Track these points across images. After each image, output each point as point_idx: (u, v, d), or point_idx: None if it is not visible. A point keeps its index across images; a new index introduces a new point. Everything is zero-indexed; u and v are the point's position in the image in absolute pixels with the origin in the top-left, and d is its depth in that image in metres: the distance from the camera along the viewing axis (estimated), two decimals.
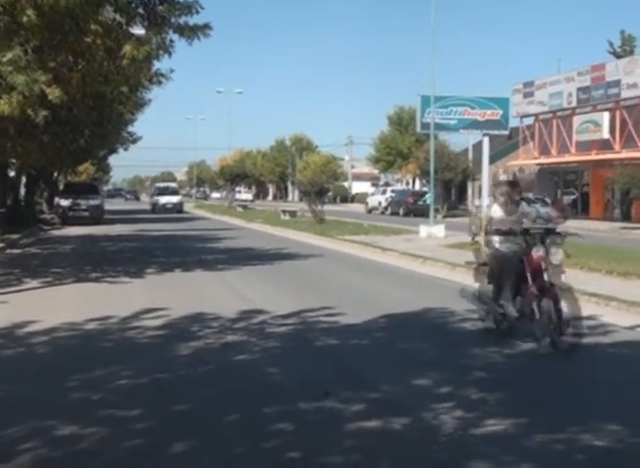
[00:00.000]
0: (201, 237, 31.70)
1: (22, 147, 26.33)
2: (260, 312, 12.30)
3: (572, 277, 15.92)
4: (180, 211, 59.61)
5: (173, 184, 78.80)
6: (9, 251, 25.23)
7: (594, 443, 6.23)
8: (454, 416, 6.81)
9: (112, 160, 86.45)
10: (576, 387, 8.28)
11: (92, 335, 10.65)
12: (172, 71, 18.38)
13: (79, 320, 11.56)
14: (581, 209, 51.90)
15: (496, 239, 10.96)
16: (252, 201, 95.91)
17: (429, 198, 60.21)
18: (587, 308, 12.84)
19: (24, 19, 14.06)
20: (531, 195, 11.83)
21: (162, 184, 76.62)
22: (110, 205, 63.17)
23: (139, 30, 16.64)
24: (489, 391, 7.72)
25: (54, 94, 15.06)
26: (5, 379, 8.30)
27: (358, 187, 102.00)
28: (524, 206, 11.11)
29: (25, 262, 21.46)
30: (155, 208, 60.56)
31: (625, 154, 45.74)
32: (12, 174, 42.86)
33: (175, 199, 61.59)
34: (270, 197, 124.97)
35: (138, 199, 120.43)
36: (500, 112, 53.98)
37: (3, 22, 14.08)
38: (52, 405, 7.23)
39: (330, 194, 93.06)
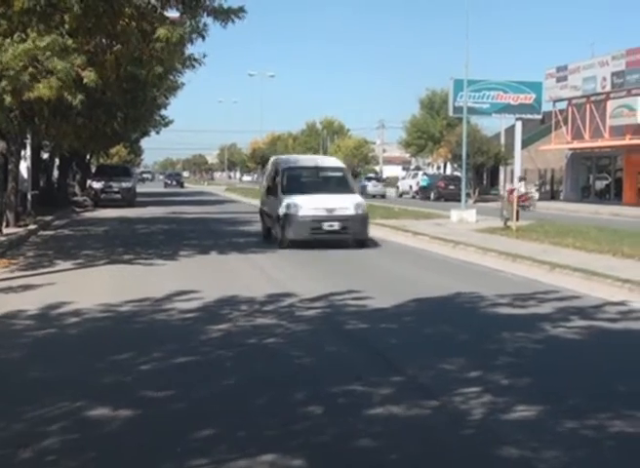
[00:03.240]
0: (232, 220, 31.78)
1: (57, 129, 26.52)
2: (289, 295, 12.33)
3: (605, 264, 15.88)
4: (363, 241, 21.14)
5: (330, 160, 27.19)
6: (42, 232, 25.45)
7: (625, 429, 6.20)
8: (483, 401, 6.80)
9: (143, 143, 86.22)
10: (606, 373, 8.24)
11: (124, 317, 10.72)
12: (204, 56, 18.42)
13: (111, 302, 11.65)
14: (614, 194, 51.43)
15: None
16: None
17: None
18: (620, 294, 12.80)
19: (62, 4, 14.18)
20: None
21: (300, 159, 27.61)
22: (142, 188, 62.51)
23: (173, 13, 16.70)
24: (518, 376, 7.70)
25: (89, 77, 15.15)
26: (37, 361, 8.38)
27: (389, 171, 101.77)
28: None
29: (58, 244, 21.63)
30: (288, 229, 20.65)
31: None
32: (45, 156, 43.15)
33: (348, 203, 21.27)
34: None
35: (182, 185, 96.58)
36: (534, 96, 53.61)
37: (39, 6, 14.18)
38: (83, 386, 7.29)
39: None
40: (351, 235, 20.88)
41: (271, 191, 22.51)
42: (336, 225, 20.58)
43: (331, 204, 20.91)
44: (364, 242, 20.89)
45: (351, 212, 20.84)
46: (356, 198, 21.79)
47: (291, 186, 21.65)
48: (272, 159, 25.58)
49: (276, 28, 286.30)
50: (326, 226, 20.54)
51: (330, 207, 20.80)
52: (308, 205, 20.66)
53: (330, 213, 20.68)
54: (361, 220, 20.94)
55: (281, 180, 21.96)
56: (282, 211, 20.64)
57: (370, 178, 71.70)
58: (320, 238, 20.48)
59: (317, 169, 23.59)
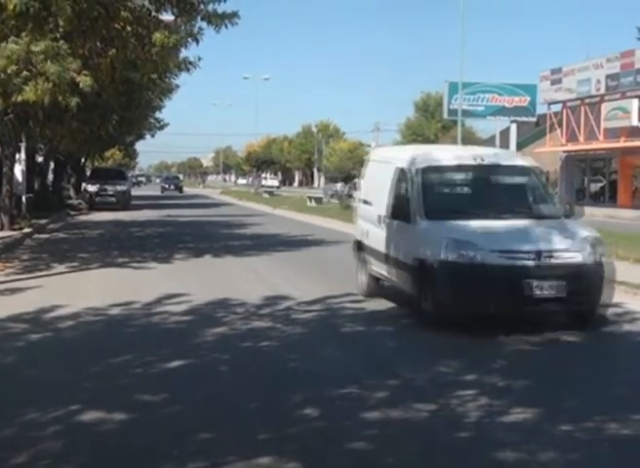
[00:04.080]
0: (228, 223, 31.75)
1: (51, 132, 26.48)
2: (285, 298, 12.32)
3: None
4: (589, 316, 10.45)
5: (505, 153, 18.06)
6: (37, 235, 25.39)
7: (620, 432, 6.20)
8: (479, 404, 6.80)
9: (138, 146, 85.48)
10: (602, 375, 8.25)
11: (119, 320, 10.71)
12: (200, 59, 18.42)
13: (106, 305, 11.63)
14: (609, 196, 51.49)
15: None
16: (278, 187, 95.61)
17: None
18: (615, 296, 12.80)
19: (55, 6, 14.18)
20: None
21: (446, 151, 13.38)
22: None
23: (168, 17, 16.72)
24: (514, 379, 7.71)
25: (84, 82, 15.16)
26: (32, 363, 8.37)
27: None
28: None
29: (53, 247, 21.59)
30: (451, 291, 10.10)
31: None
32: (40, 159, 43.10)
33: (570, 240, 10.35)
34: (296, 183, 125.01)
35: (180, 190, 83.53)
36: (528, 99, 53.65)
37: (33, 9, 14.17)
38: (78, 389, 7.28)
39: (356, 181, 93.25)
40: (581, 306, 10.38)
41: (396, 212, 11.51)
42: (554, 286, 9.87)
43: (539, 242, 10.19)
44: (590, 316, 10.53)
45: (579, 257, 10.19)
46: (580, 228, 10.86)
47: (445, 205, 11.46)
48: (380, 153, 15.05)
49: (271, 32, 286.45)
50: (533, 288, 9.81)
51: (538, 247, 10.06)
52: (493, 243, 10.08)
53: (539, 259, 9.94)
54: (595, 274, 10.29)
55: (420, 193, 11.14)
56: (435, 254, 10.24)
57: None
58: (518, 312, 10.31)
59: (486, 169, 11.76)
